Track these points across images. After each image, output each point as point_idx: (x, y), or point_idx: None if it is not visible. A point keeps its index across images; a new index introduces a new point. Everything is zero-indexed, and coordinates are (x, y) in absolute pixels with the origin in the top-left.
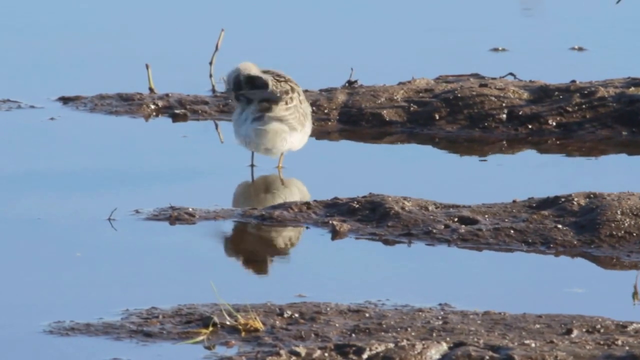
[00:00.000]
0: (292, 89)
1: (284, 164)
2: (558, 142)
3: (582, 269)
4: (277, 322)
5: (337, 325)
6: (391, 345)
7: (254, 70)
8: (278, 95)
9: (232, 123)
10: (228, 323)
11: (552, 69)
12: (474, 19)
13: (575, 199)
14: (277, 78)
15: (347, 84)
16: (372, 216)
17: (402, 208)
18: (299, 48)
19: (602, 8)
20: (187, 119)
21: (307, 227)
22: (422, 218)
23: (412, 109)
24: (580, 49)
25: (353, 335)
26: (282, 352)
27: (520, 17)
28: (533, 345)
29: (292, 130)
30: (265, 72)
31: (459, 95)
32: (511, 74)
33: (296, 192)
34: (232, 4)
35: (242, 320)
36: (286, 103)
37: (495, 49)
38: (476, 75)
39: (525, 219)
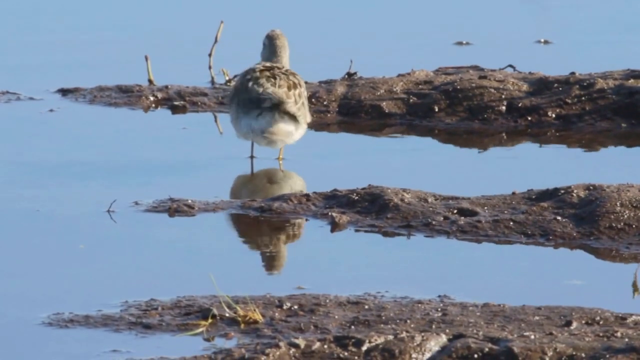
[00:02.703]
0: (299, 83)
1: (284, 155)
2: (557, 134)
3: (581, 261)
4: (277, 313)
5: (336, 317)
6: (390, 337)
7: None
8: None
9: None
10: (227, 315)
11: (519, 62)
12: (440, 12)
13: (575, 191)
14: (280, 72)
15: (346, 76)
16: (371, 208)
17: (402, 200)
18: (299, 40)
19: (569, 2)
20: (187, 110)
21: (306, 219)
22: (422, 210)
23: (411, 100)
24: (546, 42)
25: (352, 327)
26: (281, 344)
27: (485, 10)
28: (532, 337)
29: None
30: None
31: (459, 87)
32: (510, 65)
33: (296, 183)
34: None
35: (241, 312)
36: (295, 102)
37: (460, 43)
38: (475, 67)
39: (525, 210)
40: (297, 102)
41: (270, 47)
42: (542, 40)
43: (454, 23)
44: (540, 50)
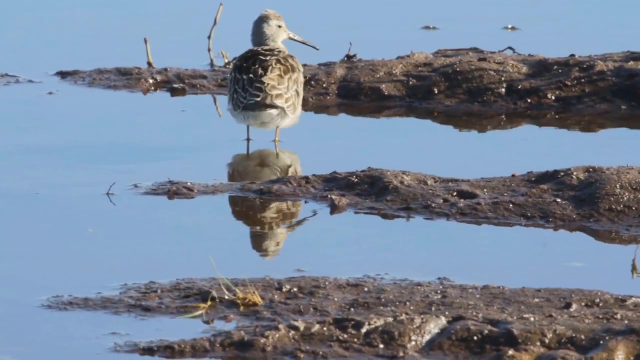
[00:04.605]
0: (293, 68)
1: (280, 137)
2: (557, 117)
3: (581, 243)
4: (276, 296)
5: (336, 299)
6: (390, 319)
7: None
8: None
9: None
10: (227, 297)
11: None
12: None
13: (575, 173)
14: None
15: (346, 59)
16: (371, 190)
17: (401, 182)
18: (298, 22)
19: None
20: (186, 93)
21: (306, 202)
22: (421, 192)
23: (411, 83)
24: (513, 28)
25: (352, 309)
26: (281, 326)
27: None
28: (532, 319)
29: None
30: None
31: (458, 69)
32: (510, 48)
33: (290, 165)
34: None
35: (241, 295)
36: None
37: (427, 27)
38: (475, 50)
39: (525, 193)
40: (290, 90)
41: (258, 30)
42: (510, 26)
43: (420, 7)
44: (508, 37)
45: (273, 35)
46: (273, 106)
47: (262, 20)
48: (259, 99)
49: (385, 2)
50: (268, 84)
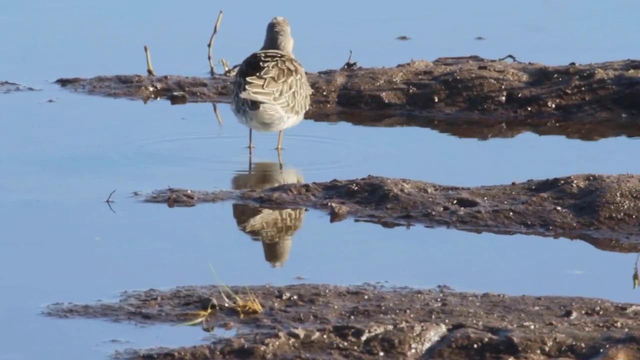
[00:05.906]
0: (296, 70)
1: (282, 145)
2: (557, 125)
3: (581, 251)
4: (276, 304)
5: (335, 307)
6: (390, 327)
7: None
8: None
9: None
10: (227, 305)
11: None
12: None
13: (575, 181)
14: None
15: (346, 67)
16: (371, 198)
17: (401, 190)
18: (298, 30)
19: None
20: (186, 101)
21: (306, 209)
22: (421, 200)
23: (411, 91)
24: (479, 38)
25: (352, 317)
26: (280, 334)
27: (426, 6)
28: (532, 327)
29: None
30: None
31: (458, 77)
32: (510, 56)
33: (294, 174)
34: None
35: (240, 302)
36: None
37: (403, 37)
38: (475, 58)
39: (525, 201)
40: (284, 94)
41: (269, 35)
42: (478, 36)
43: (394, 17)
44: (476, 46)
45: (285, 43)
46: (260, 102)
47: (277, 25)
48: (245, 96)
49: (357, 10)
50: (251, 83)
